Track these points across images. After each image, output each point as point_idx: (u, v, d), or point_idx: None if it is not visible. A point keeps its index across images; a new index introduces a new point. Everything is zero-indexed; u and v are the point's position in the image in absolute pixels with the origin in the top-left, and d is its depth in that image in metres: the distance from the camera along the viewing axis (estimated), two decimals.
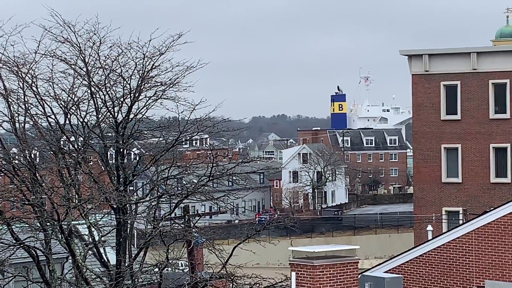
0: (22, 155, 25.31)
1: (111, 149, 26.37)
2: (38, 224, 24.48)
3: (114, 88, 25.73)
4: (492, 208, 25.02)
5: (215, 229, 39.48)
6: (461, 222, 50.27)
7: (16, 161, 25.40)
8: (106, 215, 26.79)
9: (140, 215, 26.13)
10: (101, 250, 25.28)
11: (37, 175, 24.76)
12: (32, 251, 24.80)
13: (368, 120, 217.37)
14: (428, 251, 24.90)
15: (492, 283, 23.54)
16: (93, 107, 25.69)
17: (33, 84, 25.16)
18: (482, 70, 56.41)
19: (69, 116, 25.62)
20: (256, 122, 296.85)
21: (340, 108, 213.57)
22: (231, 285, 26.25)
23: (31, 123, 25.63)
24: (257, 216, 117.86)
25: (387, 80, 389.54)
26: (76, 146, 25.98)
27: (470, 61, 56.50)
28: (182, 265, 30.18)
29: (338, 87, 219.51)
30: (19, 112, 25.29)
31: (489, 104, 56.16)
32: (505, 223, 23.54)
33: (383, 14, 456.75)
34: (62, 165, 25.09)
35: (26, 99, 25.16)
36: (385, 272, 24.89)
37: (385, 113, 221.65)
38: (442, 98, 57.20)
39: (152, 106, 26.08)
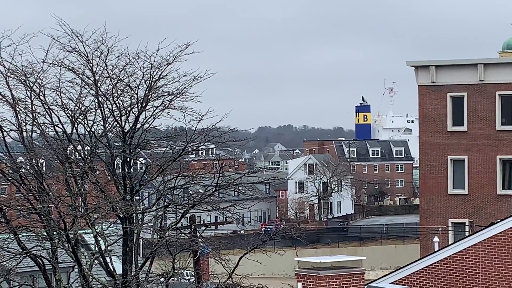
0: (29, 164, 25.35)
1: (118, 158, 26.40)
2: (45, 233, 24.49)
3: (121, 97, 25.77)
4: (498, 220, 24.99)
5: (221, 239, 39.50)
6: (467, 233, 50.18)
7: (23, 170, 25.44)
8: (112, 225, 26.80)
9: (146, 224, 26.14)
10: (108, 259, 25.28)
11: (44, 184, 24.78)
12: (39, 260, 24.81)
13: (393, 131, 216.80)
14: (435, 263, 24.86)
15: None
16: (100, 116, 25.72)
17: (40, 93, 25.21)
18: (489, 81, 56.42)
19: (76, 125, 25.65)
20: (262, 132, 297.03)
21: (365, 119, 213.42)
22: None
23: (39, 132, 25.67)
24: (263, 226, 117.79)
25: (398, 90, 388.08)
26: (83, 155, 26.01)
27: (477, 73, 56.52)
28: (188, 275, 30.17)
29: (362, 97, 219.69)
30: (26, 121, 25.34)
31: (496, 116, 56.14)
32: (511, 235, 23.50)
33: (388, 25, 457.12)
34: (69, 174, 25.13)
35: (33, 108, 25.21)
36: (391, 283, 24.86)
37: (409, 124, 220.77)
38: (448, 109, 57.20)
39: (159, 115, 26.12)
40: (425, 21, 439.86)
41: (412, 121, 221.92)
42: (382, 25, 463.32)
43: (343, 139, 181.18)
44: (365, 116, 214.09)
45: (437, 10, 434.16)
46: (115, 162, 26.54)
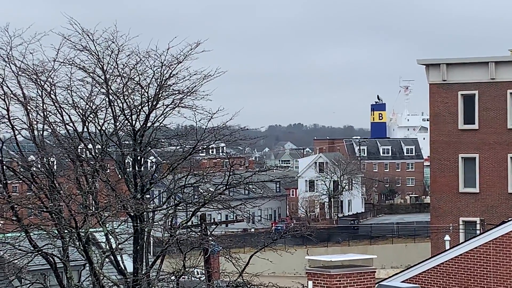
0: (40, 162, 25.42)
1: (129, 157, 26.44)
2: (56, 231, 24.56)
3: (132, 96, 25.82)
4: (510, 218, 24.91)
5: (232, 238, 39.48)
6: (478, 232, 50.04)
7: (34, 169, 25.51)
8: (123, 223, 26.85)
9: (157, 223, 26.17)
10: (118, 257, 25.33)
11: (55, 182, 24.85)
12: (50, 258, 24.88)
13: (408, 129, 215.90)
14: (446, 261, 24.81)
15: None
16: (111, 115, 25.77)
17: (51, 92, 25.28)
18: (500, 79, 56.21)
19: (87, 124, 25.71)
20: (272, 131, 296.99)
21: (380, 118, 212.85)
22: None
23: (50, 130, 25.74)
24: (273, 224, 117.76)
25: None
26: (93, 154, 26.07)
27: (488, 71, 56.32)
28: (198, 273, 30.21)
29: (378, 96, 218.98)
30: (37, 120, 25.40)
31: (507, 114, 55.93)
32: None
33: (398, 24, 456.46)
34: (80, 172, 25.18)
35: (44, 107, 25.27)
36: (402, 282, 24.82)
37: (425, 122, 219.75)
38: (459, 107, 57.02)
39: (169, 114, 26.15)
40: (435, 19, 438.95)
41: (428, 120, 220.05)
42: (391, 24, 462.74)
43: (359, 137, 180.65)
44: (380, 115, 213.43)
45: (446, 9, 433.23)
46: (126, 161, 26.58)
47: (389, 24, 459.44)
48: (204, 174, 27.21)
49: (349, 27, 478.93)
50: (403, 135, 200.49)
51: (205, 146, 27.45)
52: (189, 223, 27.32)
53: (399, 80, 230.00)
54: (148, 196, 28.19)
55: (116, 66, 25.54)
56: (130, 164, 26.35)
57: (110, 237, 25.04)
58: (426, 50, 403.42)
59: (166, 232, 26.06)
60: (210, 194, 26.51)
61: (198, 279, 28.03)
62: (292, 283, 27.15)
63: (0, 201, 24.79)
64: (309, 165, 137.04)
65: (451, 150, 57.15)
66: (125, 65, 25.66)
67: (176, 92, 25.98)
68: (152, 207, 26.53)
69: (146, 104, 25.75)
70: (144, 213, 25.31)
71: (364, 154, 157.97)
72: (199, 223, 30.19)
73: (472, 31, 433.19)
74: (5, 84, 24.97)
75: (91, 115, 25.65)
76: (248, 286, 26.00)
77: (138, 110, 25.78)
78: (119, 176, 27.61)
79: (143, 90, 25.74)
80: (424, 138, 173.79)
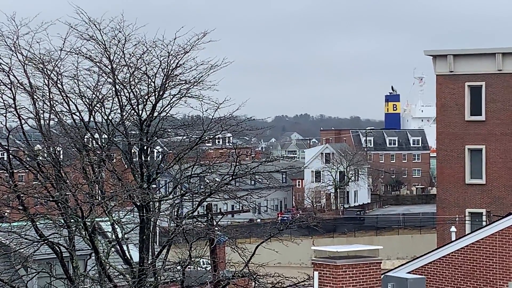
0: (46, 151, 25.44)
1: (135, 147, 26.45)
2: (62, 220, 24.60)
3: (138, 86, 25.81)
4: None
5: (238, 228, 39.53)
6: (484, 223, 49.99)
7: (41, 158, 25.54)
8: (129, 213, 26.89)
9: (163, 213, 26.20)
10: (124, 247, 25.37)
11: (61, 172, 24.88)
12: (56, 247, 24.93)
13: (422, 120, 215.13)
14: (451, 253, 24.80)
15: None
16: (118, 104, 25.78)
17: (58, 81, 25.28)
18: (507, 71, 56.04)
19: (93, 114, 25.72)
20: (279, 121, 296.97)
21: (394, 108, 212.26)
22: (253, 284, 26.27)
23: (56, 120, 25.76)
24: (279, 215, 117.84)
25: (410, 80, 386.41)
26: (100, 144, 26.08)
27: (495, 62, 56.16)
28: (204, 263, 30.26)
29: (392, 87, 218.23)
30: (44, 109, 25.42)
31: None
32: None
33: (405, 16, 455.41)
34: (86, 162, 25.20)
35: (51, 96, 25.29)
36: (408, 272, 24.81)
37: None
38: (466, 99, 56.87)
39: (176, 104, 26.15)
40: (442, 13, 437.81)
41: None
42: (400, 16, 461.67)
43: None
44: (394, 106, 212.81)
45: (453, 2, 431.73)
46: (132, 151, 26.59)
47: (398, 16, 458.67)
48: (211, 164, 27.22)
49: (357, 19, 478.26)
50: (417, 126, 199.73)
51: (211, 136, 27.44)
52: (195, 213, 27.33)
53: (413, 72, 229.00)
54: (154, 186, 28.21)
55: (122, 56, 25.54)
56: (137, 154, 26.36)
57: (116, 226, 25.07)
58: (435, 42, 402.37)
59: (172, 222, 26.08)
60: (216, 184, 26.52)
61: (204, 269, 28.07)
62: (298, 273, 27.15)
63: (6, 190, 24.84)
64: (315, 155, 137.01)
65: (457, 142, 57.04)
66: (132, 54, 25.66)
67: (183, 82, 25.97)
68: (158, 197, 26.54)
69: (153, 94, 25.74)
70: (150, 203, 25.33)
71: (371, 145, 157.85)
72: (205, 213, 30.20)
73: (482, 27, 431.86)
74: (11, 73, 25.01)
75: (97, 105, 25.65)
76: (254, 276, 26.02)
77: (144, 100, 25.78)
78: (126, 165, 27.62)
79: (149, 80, 25.73)
80: None
